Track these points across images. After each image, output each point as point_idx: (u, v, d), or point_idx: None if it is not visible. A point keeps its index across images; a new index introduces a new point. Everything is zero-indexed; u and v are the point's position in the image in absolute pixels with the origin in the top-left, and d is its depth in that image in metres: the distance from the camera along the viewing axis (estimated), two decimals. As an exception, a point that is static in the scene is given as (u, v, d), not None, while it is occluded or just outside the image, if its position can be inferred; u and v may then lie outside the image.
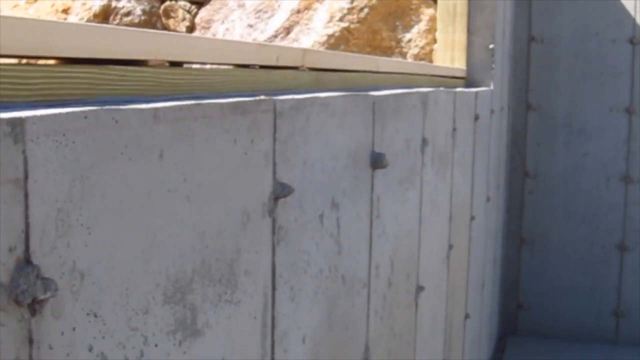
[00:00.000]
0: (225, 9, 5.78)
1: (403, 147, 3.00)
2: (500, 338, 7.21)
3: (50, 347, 1.07)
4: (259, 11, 5.68)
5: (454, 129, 4.04)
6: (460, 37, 5.42)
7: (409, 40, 5.49)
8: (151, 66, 1.61)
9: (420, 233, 3.39)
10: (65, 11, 5.87)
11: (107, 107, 1.19)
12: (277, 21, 5.62)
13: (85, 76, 1.39)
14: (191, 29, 5.84)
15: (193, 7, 5.88)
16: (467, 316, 4.91)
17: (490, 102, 5.48)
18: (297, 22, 5.59)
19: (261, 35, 5.61)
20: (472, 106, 4.65)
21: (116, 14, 5.84)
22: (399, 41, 5.50)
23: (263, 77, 2.16)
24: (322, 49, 5.35)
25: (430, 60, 5.45)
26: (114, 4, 5.84)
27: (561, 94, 7.10)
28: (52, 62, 1.38)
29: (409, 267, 3.21)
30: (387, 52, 5.48)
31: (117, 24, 5.76)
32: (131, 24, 5.78)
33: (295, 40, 5.54)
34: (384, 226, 2.76)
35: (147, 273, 1.29)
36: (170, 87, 1.66)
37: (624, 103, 6.98)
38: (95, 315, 1.16)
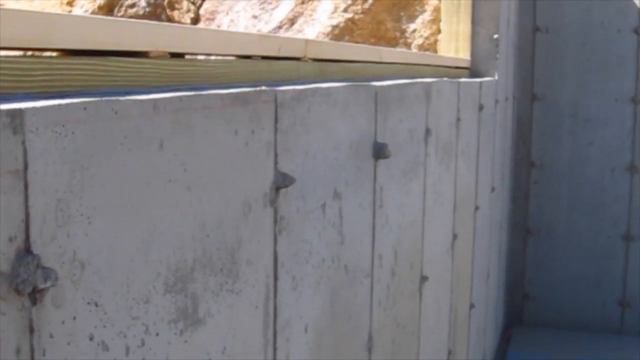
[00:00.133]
0: (230, 0, 5.79)
1: (406, 137, 3.01)
2: (506, 328, 7.22)
3: (51, 336, 1.08)
4: (263, 2, 5.69)
5: (458, 119, 4.05)
6: (465, 27, 5.42)
7: (414, 31, 5.49)
8: (152, 57, 1.61)
9: (424, 223, 3.39)
10: (70, 3, 5.88)
11: (107, 98, 1.20)
12: (282, 12, 5.62)
13: (86, 68, 1.40)
14: (196, 20, 5.85)
15: (197, -2, 5.88)
16: (472, 306, 4.92)
17: (495, 92, 5.48)
18: (302, 13, 5.59)
19: (265, 26, 5.62)
20: (476, 96, 4.65)
21: (121, 6, 5.85)
22: (403, 32, 5.50)
23: (265, 68, 2.16)
24: (326, 39, 5.35)
25: (435, 51, 5.46)
26: (118, -5, 5.84)
27: (566, 84, 7.09)
28: (53, 53, 1.39)
29: (412, 257, 3.22)
30: (392, 42, 5.48)
31: (122, 16, 5.77)
32: (136, 16, 5.79)
33: (299, 31, 5.55)
34: (387, 216, 2.77)
35: (148, 263, 1.30)
36: (171, 79, 1.67)
37: (629, 93, 6.98)
38: (96, 305, 1.17)
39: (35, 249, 1.04)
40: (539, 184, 7.24)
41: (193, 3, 5.87)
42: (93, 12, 5.79)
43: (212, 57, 1.99)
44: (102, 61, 1.45)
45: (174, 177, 1.37)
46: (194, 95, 1.45)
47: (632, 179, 7.02)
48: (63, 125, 1.09)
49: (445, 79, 3.97)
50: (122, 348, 1.24)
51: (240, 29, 5.61)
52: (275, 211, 1.81)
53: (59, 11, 5.75)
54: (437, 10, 5.46)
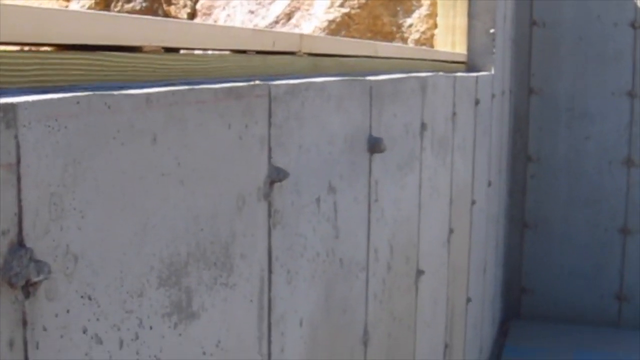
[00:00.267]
0: (226, -5, 5.79)
1: (402, 131, 3.01)
2: (504, 322, 7.24)
3: (45, 329, 1.09)
4: (260, -3, 5.69)
5: (454, 114, 4.05)
6: (461, 21, 5.42)
7: (410, 26, 5.50)
8: (146, 52, 1.62)
9: (420, 217, 3.40)
10: (67, -2, 5.88)
11: (99, 92, 1.21)
12: (278, 7, 5.63)
13: (80, 62, 1.41)
14: (192, 15, 5.85)
15: (194, -7, 5.88)
16: (468, 300, 4.93)
17: (491, 87, 5.48)
18: (298, 8, 5.60)
19: (262, 21, 5.62)
20: (472, 90, 4.66)
21: (117, 1, 5.85)
22: (399, 26, 5.51)
23: (260, 63, 2.17)
24: (322, 34, 5.36)
25: (432, 45, 5.46)
26: (115, -9, 5.84)
27: (563, 78, 7.10)
28: (47, 48, 1.40)
29: (408, 251, 3.23)
30: (388, 37, 5.49)
31: (119, 11, 5.77)
32: (132, 11, 5.79)
33: (296, 26, 5.55)
34: (382, 210, 2.78)
35: (141, 256, 1.31)
36: (165, 73, 1.68)
37: (626, 87, 6.98)
38: (90, 298, 1.18)
39: (28, 243, 1.05)
40: (535, 178, 7.25)
41: (190, -2, 5.87)
42: (90, 7, 5.79)
43: (209, 52, 1.99)
44: (96, 56, 1.46)
45: (167, 171, 1.37)
46: (187, 90, 1.45)
47: (629, 172, 7.03)
48: (56, 120, 1.10)
49: (440, 73, 3.98)
50: (116, 341, 1.25)
51: (237, 24, 5.61)
52: (270, 205, 1.81)
53: (56, 6, 5.76)
54: (433, 4, 5.47)
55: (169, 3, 5.89)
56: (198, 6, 5.85)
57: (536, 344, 6.76)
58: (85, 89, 1.28)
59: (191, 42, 1.84)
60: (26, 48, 1.45)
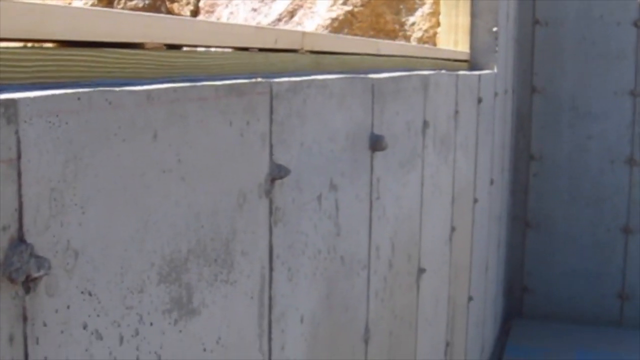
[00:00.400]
0: (229, -8, 5.79)
1: (403, 129, 3.01)
2: (505, 320, 7.24)
3: (45, 325, 1.09)
4: (263, -5, 5.69)
5: (456, 112, 4.05)
6: (464, 20, 5.42)
7: (413, 24, 5.49)
8: (148, 49, 1.62)
9: (422, 215, 3.40)
10: (70, -4, 5.88)
11: (101, 88, 1.21)
12: (281, 5, 5.63)
13: (82, 59, 1.41)
14: (195, 13, 5.85)
15: (197, -9, 5.88)
16: (470, 298, 4.93)
17: (494, 85, 5.48)
18: (301, 6, 5.60)
19: (265, 19, 5.62)
20: (475, 89, 4.65)
21: (120, -2, 5.85)
22: (402, 24, 5.51)
23: (262, 60, 2.17)
24: (325, 32, 5.36)
25: (434, 44, 5.46)
26: (118, -12, 5.85)
27: (566, 77, 7.10)
28: (49, 44, 1.40)
29: (410, 249, 3.23)
30: (391, 35, 5.49)
31: (122, 8, 5.77)
32: (135, 8, 5.80)
33: (299, 23, 5.55)
34: (384, 208, 2.78)
35: (142, 252, 1.31)
36: (167, 70, 1.68)
37: (629, 86, 6.98)
38: (90, 294, 1.18)
39: (29, 238, 1.05)
40: (538, 176, 7.25)
41: (193, -5, 5.87)
42: (93, 5, 5.79)
43: (212, 49, 1.99)
44: (98, 52, 1.46)
45: (168, 167, 1.38)
46: (189, 86, 1.45)
47: (631, 171, 7.03)
48: (57, 115, 1.10)
49: (443, 71, 3.98)
50: (116, 337, 1.25)
51: (240, 21, 5.61)
52: (271, 202, 1.81)
53: (59, 3, 5.76)
54: (436, 3, 5.47)
55: (172, 0, 5.89)
56: (201, 4, 5.85)
57: (538, 343, 6.76)
58: (87, 86, 1.28)
59: (193, 39, 1.84)
60: (28, 44, 1.45)
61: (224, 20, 5.70)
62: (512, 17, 6.49)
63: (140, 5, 5.83)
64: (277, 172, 1.80)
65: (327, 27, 5.46)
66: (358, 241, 2.52)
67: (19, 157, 1.03)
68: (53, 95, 1.10)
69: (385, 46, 3.52)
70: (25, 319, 1.05)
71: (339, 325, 2.38)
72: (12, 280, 1.02)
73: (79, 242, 1.15)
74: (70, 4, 5.70)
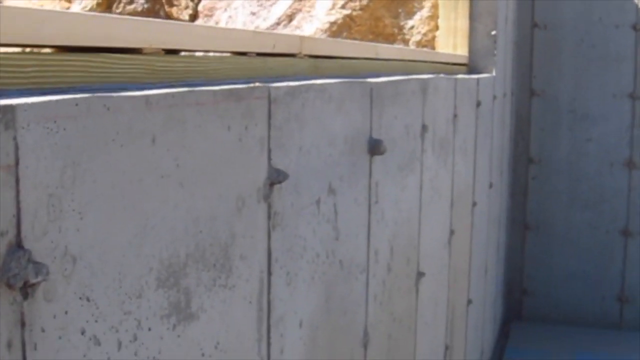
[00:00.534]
0: (228, -4, 5.79)
1: (402, 133, 3.01)
2: (505, 323, 7.24)
3: (43, 330, 1.09)
4: (262, -1, 5.69)
5: (455, 115, 4.06)
6: (463, 23, 5.43)
7: (412, 27, 5.50)
8: (146, 54, 1.62)
9: (421, 219, 3.40)
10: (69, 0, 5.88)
11: (98, 94, 1.21)
12: (280, 9, 5.63)
13: (80, 64, 1.41)
14: (194, 17, 5.85)
15: (196, -5, 5.89)
16: (469, 301, 4.93)
17: (493, 89, 5.48)
18: (300, 10, 5.60)
19: (264, 22, 5.63)
20: (473, 92, 4.66)
21: (119, 2, 5.85)
22: (401, 28, 5.51)
23: (260, 65, 2.17)
24: (324, 36, 5.36)
25: (433, 47, 5.46)
26: (117, -8, 5.85)
27: (565, 80, 7.10)
28: (46, 50, 1.40)
29: (409, 252, 3.23)
30: (390, 39, 5.49)
31: (120, 12, 5.78)
32: (134, 12, 5.80)
33: (297, 27, 5.55)
34: (382, 212, 2.78)
35: (140, 257, 1.31)
36: (165, 75, 1.68)
37: (628, 89, 6.99)
38: (88, 299, 1.18)
39: (27, 244, 1.05)
40: (537, 179, 7.25)
41: (191, 0, 5.88)
42: (92, 8, 5.80)
43: (207, 54, 2.00)
44: (96, 57, 1.46)
45: (166, 172, 1.38)
46: (187, 91, 1.45)
47: (630, 174, 7.03)
48: (55, 121, 1.10)
49: (441, 75, 3.98)
50: (114, 343, 1.25)
51: (239, 25, 5.62)
52: (269, 207, 1.81)
53: (58, 8, 5.76)
54: (435, 6, 5.47)
55: (171, 4, 5.90)
56: (200, 7, 5.85)
57: (537, 345, 6.76)
58: (85, 91, 1.28)
59: (191, 44, 1.84)
60: (26, 49, 1.46)
61: (222, 24, 5.70)
62: (510, 20, 6.49)
63: (139, 9, 5.83)
64: (276, 177, 1.80)
65: (325, 31, 5.47)
66: (357, 245, 2.52)
67: (17, 163, 1.03)
68: (51, 101, 1.10)
69: (384, 50, 3.52)
70: (23, 324, 1.05)
71: (338, 329, 2.38)
72: (10, 286, 1.02)
73: (77, 247, 1.15)
74: (68, 8, 5.70)
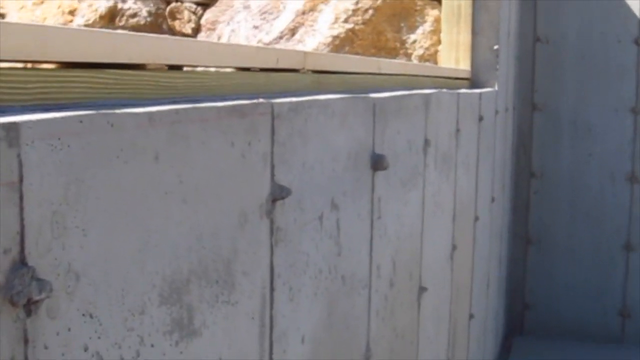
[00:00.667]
0: (231, 10, 5.80)
1: (405, 148, 3.02)
2: (507, 337, 7.22)
3: (46, 347, 1.09)
4: (264, 12, 5.70)
5: (458, 130, 4.06)
6: (465, 37, 5.43)
7: (414, 42, 5.51)
8: (150, 70, 1.63)
9: (423, 234, 3.40)
10: (72, 12, 5.90)
11: (102, 111, 1.21)
12: (282, 22, 5.64)
13: (83, 80, 1.41)
14: (197, 30, 5.86)
15: (199, 8, 5.90)
16: (471, 316, 4.92)
17: (495, 103, 5.49)
18: (302, 24, 5.61)
19: (266, 36, 5.64)
20: (476, 107, 4.66)
21: (122, 16, 5.86)
22: (403, 42, 5.52)
23: (263, 80, 2.18)
24: (326, 50, 5.37)
25: (435, 62, 5.47)
26: (120, 5, 5.86)
27: (567, 94, 7.11)
28: (50, 66, 1.40)
29: (411, 267, 3.23)
30: (392, 53, 5.50)
31: (123, 25, 5.79)
32: (137, 26, 5.81)
33: (300, 41, 5.56)
34: (385, 227, 2.78)
35: (143, 274, 1.31)
36: (169, 91, 1.68)
37: (630, 103, 6.99)
38: (91, 316, 1.18)
39: (30, 261, 1.05)
40: (539, 194, 7.25)
41: (194, 13, 5.89)
42: (94, 22, 5.81)
43: (211, 69, 2.00)
44: (99, 73, 1.46)
45: (169, 188, 1.38)
46: (190, 108, 1.46)
47: (632, 188, 7.03)
48: (58, 138, 1.10)
49: (444, 90, 3.98)
50: (117, 359, 1.25)
51: (241, 39, 5.62)
52: (272, 222, 1.81)
53: (61, 20, 5.78)
54: (437, 20, 5.48)
55: (174, 18, 5.91)
56: (202, 21, 5.86)
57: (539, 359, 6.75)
58: (88, 107, 1.28)
59: (194, 59, 1.84)
60: (29, 65, 1.46)
61: (225, 37, 5.71)
62: (513, 35, 6.50)
63: (142, 22, 5.84)
64: (279, 193, 1.80)
65: (328, 45, 5.47)
66: (359, 260, 2.52)
67: (20, 180, 1.03)
68: (55, 118, 1.10)
69: (386, 65, 3.52)
70: (26, 341, 1.05)
71: (340, 345, 2.37)
72: (13, 304, 1.02)
73: (81, 264, 1.15)
74: (71, 22, 5.71)
